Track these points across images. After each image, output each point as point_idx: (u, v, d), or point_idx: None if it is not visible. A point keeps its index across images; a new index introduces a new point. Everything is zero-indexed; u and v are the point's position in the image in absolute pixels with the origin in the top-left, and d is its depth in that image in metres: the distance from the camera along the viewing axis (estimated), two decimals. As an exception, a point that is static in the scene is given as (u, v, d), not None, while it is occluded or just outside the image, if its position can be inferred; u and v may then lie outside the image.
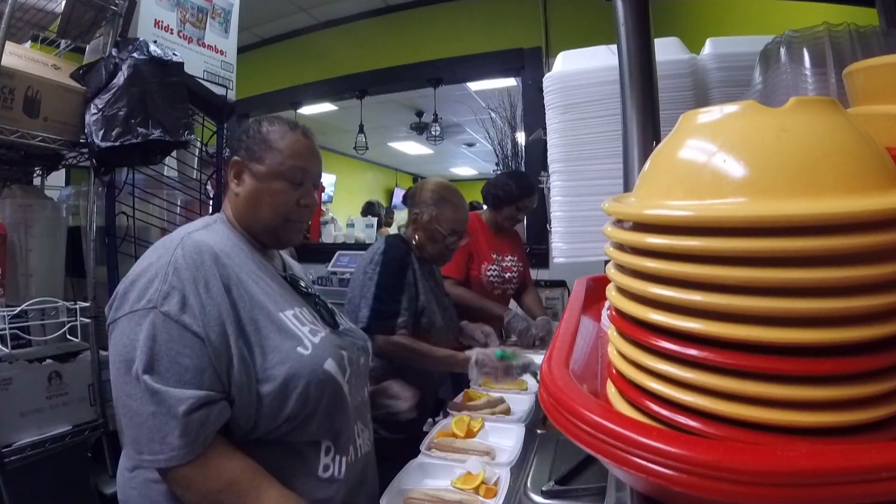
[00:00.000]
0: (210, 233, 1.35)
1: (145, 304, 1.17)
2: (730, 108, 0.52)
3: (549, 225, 1.43)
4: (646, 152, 0.89)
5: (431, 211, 2.33)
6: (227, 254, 1.31)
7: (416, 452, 1.70)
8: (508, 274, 3.35)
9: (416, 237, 2.38)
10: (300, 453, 1.29)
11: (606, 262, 0.62)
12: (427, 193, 2.37)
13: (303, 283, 1.54)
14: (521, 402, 2.12)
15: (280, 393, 1.23)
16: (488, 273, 3.25)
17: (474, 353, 2.13)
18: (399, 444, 1.82)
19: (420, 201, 2.37)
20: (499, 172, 3.52)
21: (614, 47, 0.97)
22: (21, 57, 2.04)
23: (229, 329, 1.21)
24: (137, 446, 1.13)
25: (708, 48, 1.38)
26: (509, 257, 3.38)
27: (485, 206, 3.48)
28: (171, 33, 2.55)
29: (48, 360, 2.07)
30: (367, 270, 2.25)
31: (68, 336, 2.14)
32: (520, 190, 3.27)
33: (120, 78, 2.09)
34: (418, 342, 2.16)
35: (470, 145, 10.88)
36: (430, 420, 2.20)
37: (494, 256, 3.30)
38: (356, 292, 2.25)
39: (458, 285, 3.15)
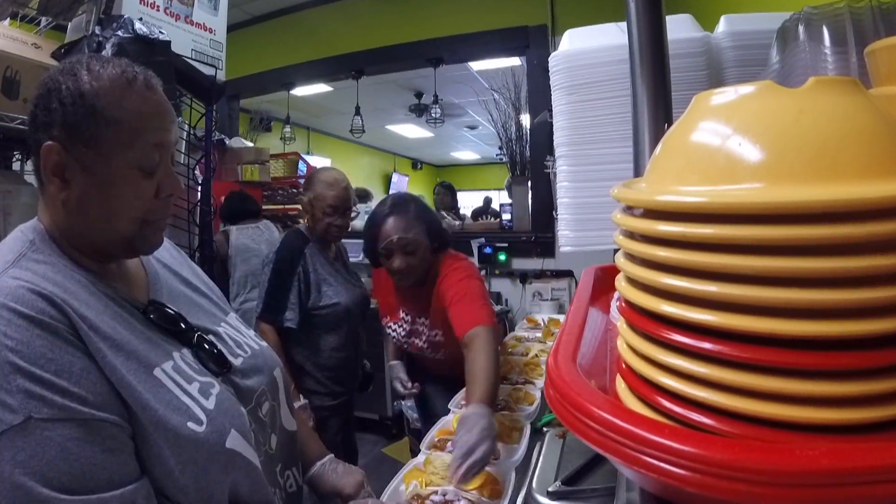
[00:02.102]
0: (31, 271, 0.91)
1: (10, 420, 0.78)
2: (745, 89, 0.51)
3: (556, 212, 1.42)
4: (657, 135, 0.89)
5: (309, 194, 2.62)
6: (65, 297, 0.90)
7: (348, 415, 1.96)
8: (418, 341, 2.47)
9: (307, 221, 2.69)
10: None
11: (616, 250, 0.62)
12: (307, 181, 2.73)
13: (171, 310, 1.10)
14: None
15: (163, 491, 0.93)
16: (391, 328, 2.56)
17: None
18: (331, 410, 2.52)
19: (304, 189, 2.72)
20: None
21: (624, 25, 0.97)
22: (-1, 35, 2.03)
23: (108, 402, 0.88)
24: None
25: (722, 26, 1.37)
26: (421, 320, 2.45)
27: None
28: (158, 10, 2.54)
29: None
30: (266, 264, 2.62)
31: (51, 329, 2.13)
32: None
33: (103, 57, 2.08)
34: (279, 346, 2.45)
35: (472, 128, 10.87)
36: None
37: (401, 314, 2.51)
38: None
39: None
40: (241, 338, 1.24)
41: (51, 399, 0.81)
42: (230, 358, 1.14)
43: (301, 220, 3.13)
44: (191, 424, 0.94)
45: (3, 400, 0.79)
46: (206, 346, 1.10)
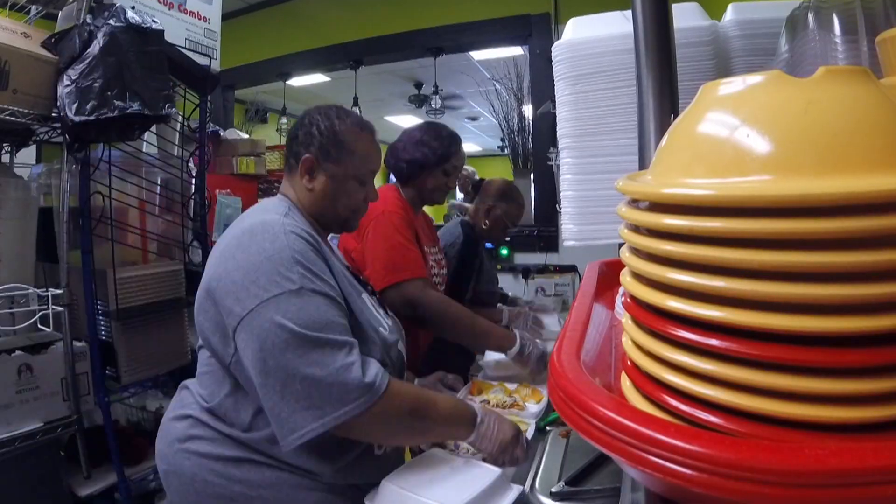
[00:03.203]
0: (295, 222, 1.49)
1: (284, 287, 1.33)
2: (753, 79, 0.51)
3: (559, 205, 1.42)
4: (663, 126, 0.89)
5: (502, 205, 3.11)
6: (315, 238, 1.48)
7: None
8: (435, 274, 2.60)
9: (480, 222, 3.14)
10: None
11: (620, 245, 0.62)
12: (500, 193, 3.16)
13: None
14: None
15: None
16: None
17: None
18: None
19: (494, 197, 3.14)
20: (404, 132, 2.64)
21: (629, 13, 0.96)
22: (-13, 24, 2.02)
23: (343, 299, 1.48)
24: (324, 408, 1.29)
25: (730, 14, 1.37)
26: (434, 250, 2.65)
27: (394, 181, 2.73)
28: (150, -2, 2.54)
29: (17, 352, 2.06)
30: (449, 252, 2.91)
31: (39, 326, 2.13)
32: (444, 142, 2.53)
33: (95, 47, 2.07)
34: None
35: (473, 119, 10.86)
36: None
37: (426, 249, 2.54)
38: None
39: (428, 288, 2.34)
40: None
41: (314, 281, 1.37)
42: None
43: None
44: (381, 329, 1.57)
45: (288, 276, 1.34)
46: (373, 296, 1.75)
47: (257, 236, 1.40)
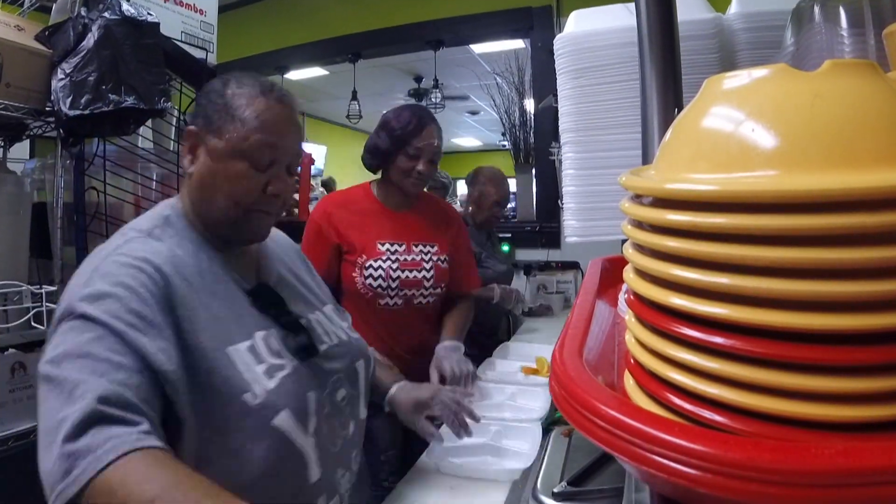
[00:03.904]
0: (154, 240, 1.19)
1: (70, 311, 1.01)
2: (759, 73, 0.51)
3: (561, 201, 1.42)
4: (666, 121, 0.89)
5: (479, 188, 3.56)
6: (176, 265, 1.15)
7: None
8: (412, 273, 2.32)
9: (470, 210, 3.58)
10: None
11: (623, 241, 0.62)
12: (474, 177, 3.63)
13: (272, 293, 1.35)
14: (534, 396, 2.13)
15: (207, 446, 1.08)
16: (367, 272, 2.26)
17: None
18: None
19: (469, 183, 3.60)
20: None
21: (632, 5, 0.97)
22: (-20, 17, 2.02)
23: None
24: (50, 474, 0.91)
25: (735, 6, 1.37)
26: (421, 246, 2.38)
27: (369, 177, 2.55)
28: (145, -10, 2.54)
29: (11, 350, 2.06)
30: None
31: (33, 323, 2.13)
32: (403, 121, 2.29)
33: (89, 40, 2.07)
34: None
35: (474, 113, 10.86)
36: None
37: (383, 248, 2.29)
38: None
39: None
40: (332, 327, 1.45)
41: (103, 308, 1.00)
42: (317, 338, 1.36)
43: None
44: (245, 396, 1.11)
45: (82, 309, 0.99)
46: (294, 330, 1.31)
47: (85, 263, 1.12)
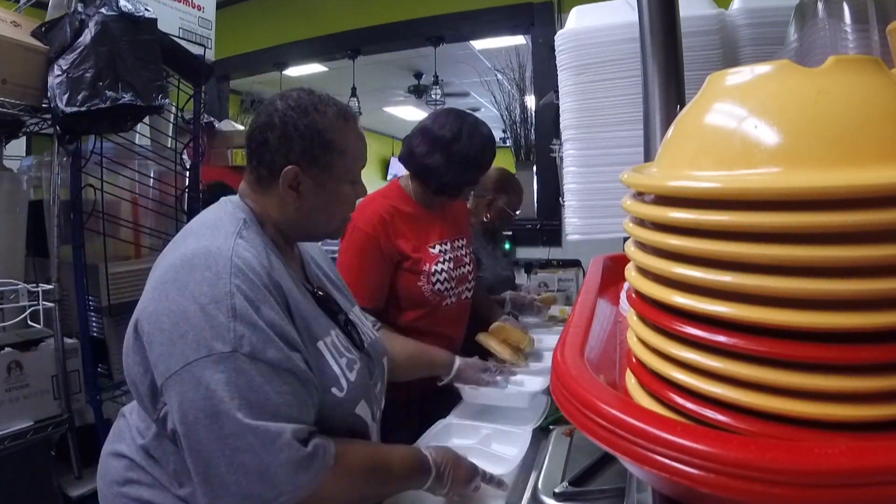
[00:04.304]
0: (249, 245, 1.24)
1: (214, 350, 1.09)
2: (762, 69, 0.51)
3: (562, 198, 1.42)
4: (669, 118, 0.89)
5: (503, 198, 3.14)
6: (271, 269, 1.24)
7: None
8: (461, 269, 2.33)
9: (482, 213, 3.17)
10: None
11: (625, 239, 0.62)
12: (498, 183, 3.14)
13: (320, 292, 1.46)
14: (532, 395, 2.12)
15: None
16: (434, 278, 2.21)
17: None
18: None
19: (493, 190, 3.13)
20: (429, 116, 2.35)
21: (634, 1, 0.96)
22: (-24, 13, 2.02)
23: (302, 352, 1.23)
24: (259, 496, 1.08)
25: (737, 2, 1.37)
26: (457, 241, 2.37)
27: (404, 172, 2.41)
28: (142, -14, 2.53)
29: (7, 349, 2.07)
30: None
31: (29, 322, 2.14)
32: (475, 142, 2.23)
33: (86, 36, 2.07)
34: None
35: (474, 110, 10.72)
36: None
37: (437, 250, 2.25)
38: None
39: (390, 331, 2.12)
40: (363, 327, 1.58)
41: (255, 341, 1.12)
42: (362, 333, 1.53)
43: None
44: (334, 390, 1.28)
45: (221, 333, 1.10)
46: (349, 328, 1.48)
47: (197, 271, 1.17)
